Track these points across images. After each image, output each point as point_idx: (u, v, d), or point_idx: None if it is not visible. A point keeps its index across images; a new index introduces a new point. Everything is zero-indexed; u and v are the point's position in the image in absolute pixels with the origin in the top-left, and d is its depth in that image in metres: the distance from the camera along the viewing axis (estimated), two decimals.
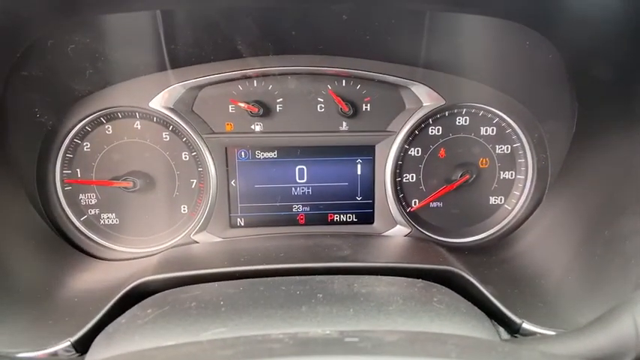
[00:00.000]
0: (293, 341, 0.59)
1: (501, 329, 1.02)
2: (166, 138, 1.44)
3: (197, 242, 1.46)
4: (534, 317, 1.00)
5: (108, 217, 1.47)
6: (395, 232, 1.50)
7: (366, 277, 1.02)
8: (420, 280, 1.03)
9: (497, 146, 1.50)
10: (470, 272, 1.11)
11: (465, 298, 0.98)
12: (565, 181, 1.37)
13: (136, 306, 0.95)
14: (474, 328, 0.85)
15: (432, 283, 1.02)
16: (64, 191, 1.42)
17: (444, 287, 1.01)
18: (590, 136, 1.26)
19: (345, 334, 0.63)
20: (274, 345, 0.59)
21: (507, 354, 0.59)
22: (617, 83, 1.10)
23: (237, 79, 1.40)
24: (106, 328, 0.90)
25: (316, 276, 1.02)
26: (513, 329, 1.00)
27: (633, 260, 0.98)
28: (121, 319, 0.90)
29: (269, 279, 1.01)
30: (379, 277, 1.03)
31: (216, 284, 1.01)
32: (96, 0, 0.98)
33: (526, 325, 0.99)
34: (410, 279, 1.03)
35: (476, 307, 0.95)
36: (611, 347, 0.62)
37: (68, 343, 0.93)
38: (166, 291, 1.00)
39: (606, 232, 1.09)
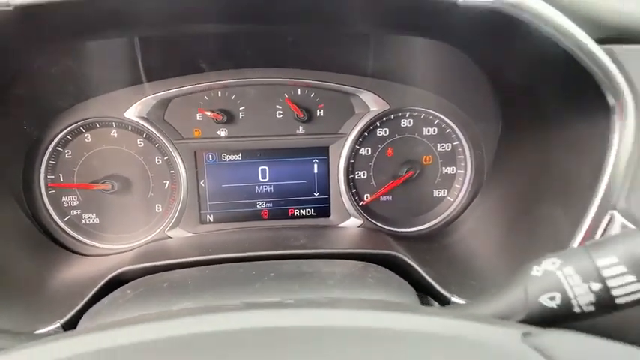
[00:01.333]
0: (243, 305, 0.72)
1: (436, 303, 1.08)
2: (141, 144, 1.49)
3: (171, 237, 1.50)
4: (465, 293, 1.07)
5: (89, 217, 1.51)
6: (349, 224, 1.56)
7: (314, 260, 1.09)
8: (363, 262, 1.09)
9: (438, 145, 1.57)
10: (411, 256, 1.16)
11: (405, 278, 1.03)
12: (497, 175, 1.45)
13: (116, 290, 1.01)
14: (397, 297, 0.92)
15: (372, 264, 1.08)
16: (48, 195, 1.47)
17: (383, 268, 1.07)
18: (513, 136, 1.34)
19: (285, 299, 0.76)
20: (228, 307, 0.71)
21: (407, 308, 0.71)
22: (527, 90, 1.16)
23: (203, 90, 1.46)
24: (90, 309, 0.96)
25: (270, 260, 1.09)
26: (444, 303, 1.08)
27: (544, 241, 1.05)
28: (104, 301, 0.96)
29: (230, 264, 1.07)
30: (326, 260, 1.09)
31: (185, 270, 1.06)
32: (77, 29, 1.01)
33: (455, 299, 1.06)
34: (353, 261, 1.09)
35: (407, 283, 1.01)
36: (504, 309, 0.69)
37: (58, 324, 0.99)
38: (142, 277, 1.05)
39: (527, 218, 1.17)
